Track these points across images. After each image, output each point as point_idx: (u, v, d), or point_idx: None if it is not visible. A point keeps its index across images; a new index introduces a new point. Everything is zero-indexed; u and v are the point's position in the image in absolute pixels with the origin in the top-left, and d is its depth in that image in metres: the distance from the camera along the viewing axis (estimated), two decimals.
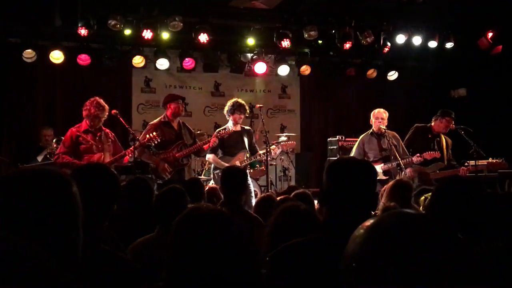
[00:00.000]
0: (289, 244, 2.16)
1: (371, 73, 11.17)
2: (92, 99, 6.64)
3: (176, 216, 3.48)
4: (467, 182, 2.55)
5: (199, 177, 8.24)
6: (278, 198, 4.42)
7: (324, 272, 1.85)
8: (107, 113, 6.64)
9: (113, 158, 6.54)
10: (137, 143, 6.60)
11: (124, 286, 2.13)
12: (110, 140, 6.70)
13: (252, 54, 10.70)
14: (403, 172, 7.21)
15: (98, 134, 6.63)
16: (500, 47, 10.33)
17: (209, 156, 7.60)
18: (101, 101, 6.62)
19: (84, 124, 6.62)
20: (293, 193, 4.60)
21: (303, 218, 2.71)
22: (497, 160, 8.05)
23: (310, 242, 2.13)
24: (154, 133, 6.75)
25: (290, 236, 2.25)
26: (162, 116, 7.38)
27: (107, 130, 6.78)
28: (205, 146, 7.24)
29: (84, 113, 6.60)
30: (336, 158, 8.38)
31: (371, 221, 1.09)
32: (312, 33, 9.79)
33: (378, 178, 7.22)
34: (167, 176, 6.99)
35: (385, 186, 5.34)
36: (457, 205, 2.34)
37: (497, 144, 8.96)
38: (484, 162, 8.31)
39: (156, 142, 6.74)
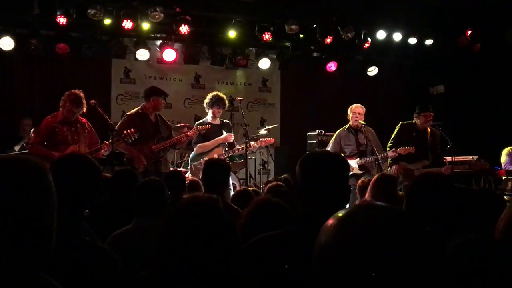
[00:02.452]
0: (261, 236, 2.17)
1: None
2: (70, 93, 6.52)
3: (155, 208, 3.48)
4: (439, 178, 2.58)
5: (178, 169, 8.22)
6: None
7: (296, 264, 1.87)
8: (84, 108, 6.52)
9: (89, 151, 6.44)
10: (115, 138, 6.52)
11: (105, 276, 2.13)
12: (86, 130, 6.62)
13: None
14: (388, 168, 7.28)
15: (74, 125, 6.54)
16: (478, 45, 10.47)
17: (196, 147, 7.55)
18: (80, 96, 6.47)
19: (61, 114, 6.53)
20: (267, 186, 4.65)
21: (276, 211, 2.75)
22: (480, 161, 8.24)
23: (283, 235, 2.14)
24: (132, 130, 6.64)
25: (263, 229, 2.27)
26: (139, 107, 7.30)
27: (84, 120, 6.69)
28: (184, 140, 7.18)
29: (61, 103, 6.51)
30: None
31: (343, 212, 1.10)
32: (293, 27, 9.81)
33: (353, 172, 7.37)
34: (142, 168, 6.92)
35: (359, 181, 5.38)
36: (430, 200, 2.38)
37: (474, 141, 9.09)
38: (462, 158, 8.44)
39: (133, 138, 6.64)
